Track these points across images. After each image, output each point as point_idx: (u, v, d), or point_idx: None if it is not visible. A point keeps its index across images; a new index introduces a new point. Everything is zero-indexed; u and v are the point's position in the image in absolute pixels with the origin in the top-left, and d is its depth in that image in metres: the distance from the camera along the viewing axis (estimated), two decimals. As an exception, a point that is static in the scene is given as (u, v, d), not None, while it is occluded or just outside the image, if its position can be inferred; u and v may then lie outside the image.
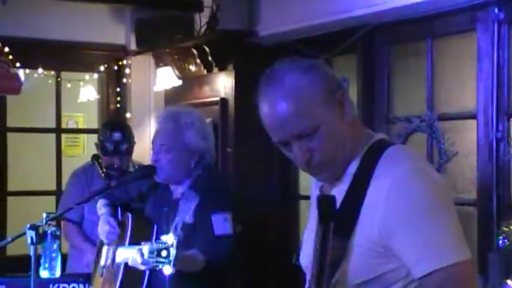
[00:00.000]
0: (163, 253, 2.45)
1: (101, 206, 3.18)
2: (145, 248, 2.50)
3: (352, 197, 1.71)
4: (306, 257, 1.80)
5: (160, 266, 2.45)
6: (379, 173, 1.70)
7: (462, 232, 1.68)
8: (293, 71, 1.74)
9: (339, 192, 1.73)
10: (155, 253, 2.45)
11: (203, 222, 2.87)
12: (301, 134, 1.71)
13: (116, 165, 4.22)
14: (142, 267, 2.59)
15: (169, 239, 2.46)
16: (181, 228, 2.91)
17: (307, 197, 5.39)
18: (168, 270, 2.44)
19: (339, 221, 1.64)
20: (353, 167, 1.75)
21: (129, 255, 2.66)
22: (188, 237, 2.87)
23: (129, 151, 4.20)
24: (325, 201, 1.45)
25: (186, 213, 2.92)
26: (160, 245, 2.46)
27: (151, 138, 3.12)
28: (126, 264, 2.83)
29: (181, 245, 2.83)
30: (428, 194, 1.66)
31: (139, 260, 2.51)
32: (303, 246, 1.89)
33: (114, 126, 4.26)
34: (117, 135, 4.14)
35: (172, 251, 2.44)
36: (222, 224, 2.85)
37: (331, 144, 1.72)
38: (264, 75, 1.79)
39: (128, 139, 4.19)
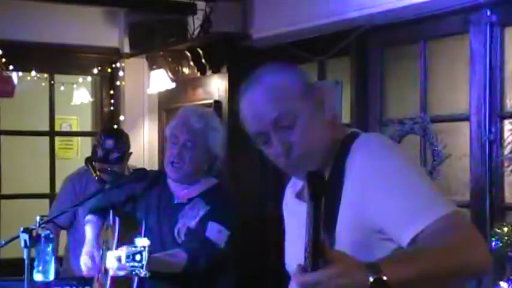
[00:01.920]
0: (137, 257, 2.45)
1: (88, 216, 3.16)
2: (122, 252, 2.50)
3: (331, 188, 1.70)
4: (293, 261, 1.79)
5: (136, 271, 2.46)
6: (350, 158, 1.70)
7: (441, 191, 1.67)
8: (270, 72, 1.78)
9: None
10: (131, 257, 2.45)
11: (200, 227, 2.87)
12: (279, 120, 1.71)
13: (109, 169, 4.21)
14: (120, 273, 2.60)
15: (143, 242, 2.46)
16: (185, 234, 2.90)
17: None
18: (142, 274, 2.44)
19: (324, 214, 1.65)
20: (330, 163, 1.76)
21: (113, 264, 2.66)
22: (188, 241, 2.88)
23: (120, 160, 4.14)
24: (314, 177, 1.42)
25: (191, 220, 2.91)
26: (134, 248, 2.46)
27: (168, 133, 3.03)
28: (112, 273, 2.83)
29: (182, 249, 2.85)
30: (398, 161, 1.67)
31: (115, 266, 2.52)
32: (288, 253, 1.87)
33: (109, 134, 4.21)
34: (109, 143, 4.09)
35: (145, 254, 2.44)
36: (215, 232, 2.85)
37: (310, 137, 1.72)
38: (243, 84, 1.80)
39: (120, 148, 4.13)
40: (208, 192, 2.99)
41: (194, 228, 2.89)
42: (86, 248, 3.07)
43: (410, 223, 1.57)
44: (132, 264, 2.48)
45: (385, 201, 1.62)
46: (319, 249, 1.40)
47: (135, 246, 2.49)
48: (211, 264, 2.85)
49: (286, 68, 1.80)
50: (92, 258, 3.01)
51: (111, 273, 2.73)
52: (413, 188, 1.61)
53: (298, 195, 1.85)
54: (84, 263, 3.02)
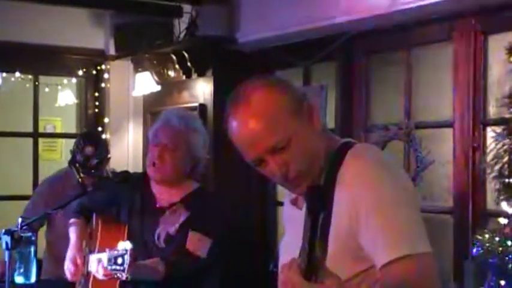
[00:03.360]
0: (119, 260, 2.44)
1: (72, 225, 3.14)
2: (104, 256, 2.49)
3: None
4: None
5: (118, 274, 2.45)
6: (344, 169, 1.71)
7: (424, 226, 1.67)
8: (258, 88, 1.76)
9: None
10: (112, 261, 2.44)
11: (182, 235, 2.86)
12: (275, 148, 1.71)
13: (93, 171, 4.20)
14: (102, 278, 2.59)
15: (125, 245, 2.45)
16: (164, 239, 2.89)
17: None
18: (123, 277, 2.43)
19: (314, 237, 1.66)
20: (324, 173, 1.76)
21: (94, 267, 2.65)
22: (167, 249, 2.86)
23: (99, 166, 4.14)
24: (313, 192, 1.43)
25: (171, 225, 2.90)
26: (116, 252, 2.45)
27: (150, 135, 3.05)
28: (94, 277, 2.81)
29: (160, 254, 2.83)
30: (392, 185, 1.67)
31: (100, 271, 2.51)
32: (282, 258, 1.87)
33: (89, 140, 4.20)
34: (88, 150, 4.11)
35: (127, 258, 2.43)
36: (196, 242, 2.84)
37: (306, 154, 1.73)
38: (229, 97, 1.79)
39: (100, 154, 4.14)
40: (189, 197, 2.97)
41: (174, 235, 2.88)
42: (70, 253, 3.05)
43: (383, 251, 1.62)
44: (114, 267, 2.47)
45: (370, 221, 1.64)
46: (313, 263, 1.41)
47: (117, 250, 2.48)
48: (192, 274, 2.84)
49: (274, 84, 1.78)
50: (75, 264, 2.99)
51: (94, 275, 2.71)
52: (397, 218, 1.63)
53: (294, 202, 1.85)
54: (68, 268, 3.00)
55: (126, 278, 2.49)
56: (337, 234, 1.67)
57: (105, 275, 2.57)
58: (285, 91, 1.76)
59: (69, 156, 4.29)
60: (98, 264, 2.59)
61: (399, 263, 1.59)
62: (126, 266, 2.41)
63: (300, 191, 1.78)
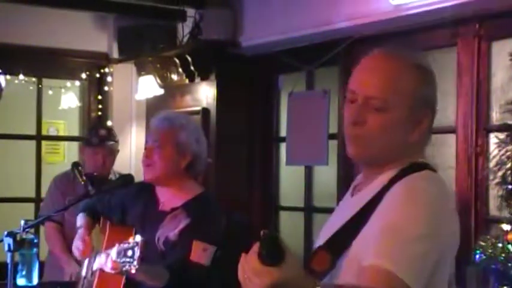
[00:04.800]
0: (129, 252, 2.43)
1: (80, 216, 3.16)
2: (113, 251, 2.49)
3: (357, 216, 1.68)
4: (319, 239, 1.80)
5: (127, 267, 2.43)
6: (392, 192, 1.66)
7: (428, 269, 1.60)
8: (412, 56, 1.75)
9: (358, 200, 1.72)
10: (122, 253, 2.43)
11: (183, 244, 2.84)
12: (371, 99, 1.67)
13: (95, 173, 4.22)
14: (112, 272, 2.58)
15: (136, 238, 2.45)
16: (163, 243, 2.89)
17: (288, 208, 5.40)
18: (132, 269, 2.42)
19: (337, 236, 1.66)
20: (380, 181, 1.71)
21: (102, 261, 2.65)
22: (168, 254, 2.86)
23: (113, 150, 4.35)
24: (267, 241, 1.42)
25: (170, 230, 2.90)
26: (126, 244, 2.44)
27: (145, 139, 3.14)
28: (99, 274, 2.81)
29: (159, 258, 2.83)
30: (423, 216, 1.60)
31: (109, 264, 2.50)
32: (324, 228, 1.83)
33: (100, 125, 4.60)
34: (102, 132, 4.40)
35: (137, 250, 2.42)
36: (200, 252, 2.83)
37: (386, 130, 1.68)
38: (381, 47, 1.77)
39: (114, 137, 4.43)
40: (191, 203, 2.97)
41: (174, 240, 2.88)
42: (78, 234, 3.08)
43: (373, 254, 1.57)
44: (123, 260, 2.45)
45: (376, 223, 1.62)
46: (273, 248, 1.42)
47: (128, 243, 2.47)
48: (197, 283, 2.85)
49: (425, 70, 1.75)
50: (84, 241, 3.02)
51: (105, 268, 2.69)
52: (405, 240, 1.57)
53: (353, 189, 1.82)
54: (76, 246, 3.03)
55: (136, 270, 2.47)
56: (355, 254, 1.64)
57: (113, 268, 2.56)
58: (429, 83, 1.74)
59: (71, 160, 4.33)
60: (106, 258, 2.58)
61: (377, 272, 1.54)
62: (136, 258, 2.40)
63: (351, 151, 1.74)
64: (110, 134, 4.44)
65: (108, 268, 2.57)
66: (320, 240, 1.77)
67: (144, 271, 2.59)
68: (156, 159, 2.96)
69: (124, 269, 2.46)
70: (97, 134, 4.38)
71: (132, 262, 2.42)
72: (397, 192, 1.65)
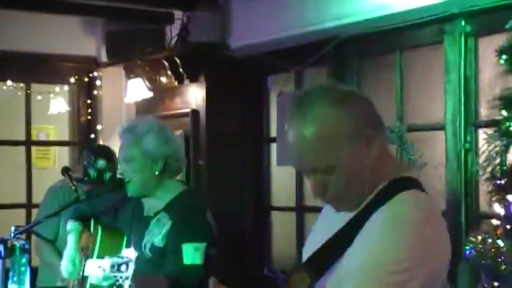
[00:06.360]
0: (123, 267, 2.43)
1: (69, 222, 3.15)
2: (106, 262, 2.48)
3: (341, 233, 1.69)
4: (305, 254, 1.80)
5: (120, 281, 2.43)
6: (379, 214, 1.64)
7: None
8: (324, 101, 1.66)
9: (342, 218, 1.72)
10: (115, 267, 2.43)
11: (173, 249, 2.83)
12: (315, 170, 1.67)
13: (86, 178, 4.20)
14: (104, 283, 2.58)
15: (130, 253, 2.44)
16: (150, 249, 2.89)
17: (280, 208, 5.40)
18: (126, 285, 2.42)
19: (320, 254, 1.67)
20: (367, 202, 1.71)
21: (93, 270, 2.64)
22: (156, 260, 2.84)
23: (113, 178, 4.10)
24: None
25: (155, 236, 2.89)
26: (120, 259, 2.44)
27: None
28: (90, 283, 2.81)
29: (148, 265, 2.83)
30: (399, 248, 1.59)
31: (100, 275, 2.50)
32: (306, 246, 1.84)
33: (99, 153, 4.17)
34: (101, 163, 4.10)
35: (131, 266, 2.42)
36: (192, 254, 2.81)
37: (348, 180, 1.67)
38: (296, 97, 1.72)
39: (112, 167, 4.11)
40: (173, 203, 2.96)
41: (159, 247, 2.87)
42: (68, 253, 3.07)
43: (364, 270, 1.59)
44: (116, 274, 2.45)
45: (358, 255, 1.62)
46: None
47: (122, 257, 2.47)
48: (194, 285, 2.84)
49: (340, 102, 1.66)
50: (73, 263, 3.01)
51: (92, 281, 2.70)
52: (385, 275, 1.57)
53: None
54: (65, 266, 3.02)
55: (129, 286, 2.47)
56: (343, 268, 1.64)
57: (106, 282, 2.56)
58: (350, 115, 1.65)
59: (62, 164, 4.29)
60: (98, 269, 2.58)
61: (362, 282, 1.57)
62: (130, 273, 2.40)
63: (336, 209, 1.74)
64: (110, 162, 4.11)
65: (101, 281, 2.57)
66: (304, 254, 1.78)
67: (141, 285, 2.59)
68: (129, 175, 2.95)
69: (118, 283, 2.46)
70: (95, 165, 4.09)
71: (127, 278, 2.42)
72: (379, 223, 1.63)
